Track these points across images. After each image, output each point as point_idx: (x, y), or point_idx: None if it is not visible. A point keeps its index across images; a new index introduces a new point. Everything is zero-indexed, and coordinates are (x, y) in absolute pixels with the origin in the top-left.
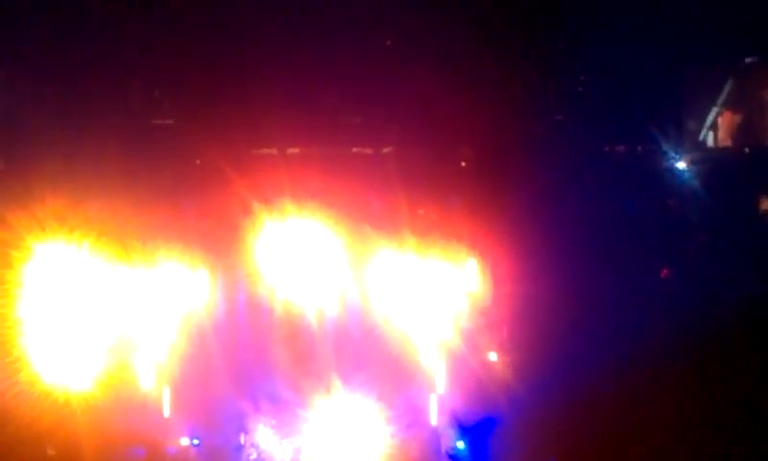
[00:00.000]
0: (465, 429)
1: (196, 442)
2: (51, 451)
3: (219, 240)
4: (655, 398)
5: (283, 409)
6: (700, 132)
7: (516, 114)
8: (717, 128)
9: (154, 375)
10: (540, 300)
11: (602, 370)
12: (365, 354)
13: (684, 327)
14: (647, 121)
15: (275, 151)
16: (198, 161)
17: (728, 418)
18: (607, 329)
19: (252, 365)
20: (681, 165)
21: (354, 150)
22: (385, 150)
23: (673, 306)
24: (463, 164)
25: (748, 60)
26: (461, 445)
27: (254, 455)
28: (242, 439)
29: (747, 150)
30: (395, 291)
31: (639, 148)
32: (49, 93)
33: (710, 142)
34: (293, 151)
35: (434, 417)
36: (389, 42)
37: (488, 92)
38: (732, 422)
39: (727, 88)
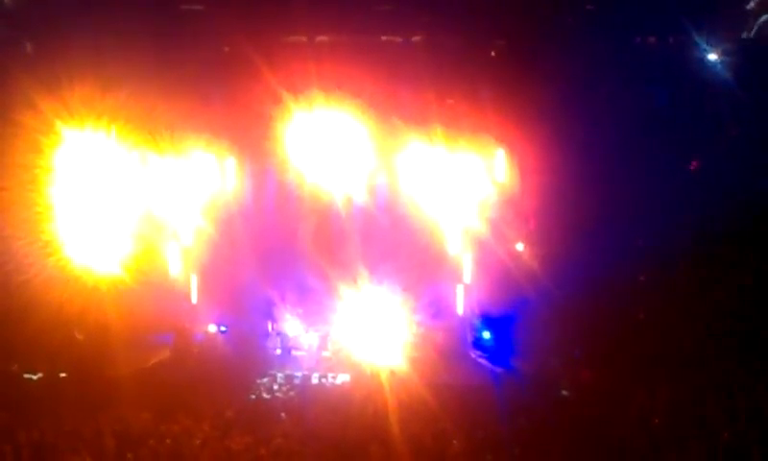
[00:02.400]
0: (490, 319)
1: (223, 329)
2: (79, 336)
3: (247, 128)
4: (675, 290)
5: (310, 298)
6: (734, 23)
7: (546, 3)
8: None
9: (182, 261)
10: (568, 192)
11: (627, 261)
12: (392, 244)
13: (710, 218)
14: (679, 11)
15: (304, 38)
16: (226, 49)
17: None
18: (634, 222)
19: (279, 253)
20: (713, 57)
21: (384, 38)
22: (414, 38)
23: (702, 198)
24: (492, 54)
25: None
26: (486, 334)
27: (281, 342)
28: (269, 327)
29: None
30: (423, 181)
31: (671, 39)
32: None
33: (745, 35)
34: (322, 38)
35: (460, 306)
36: None
37: None
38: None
39: None
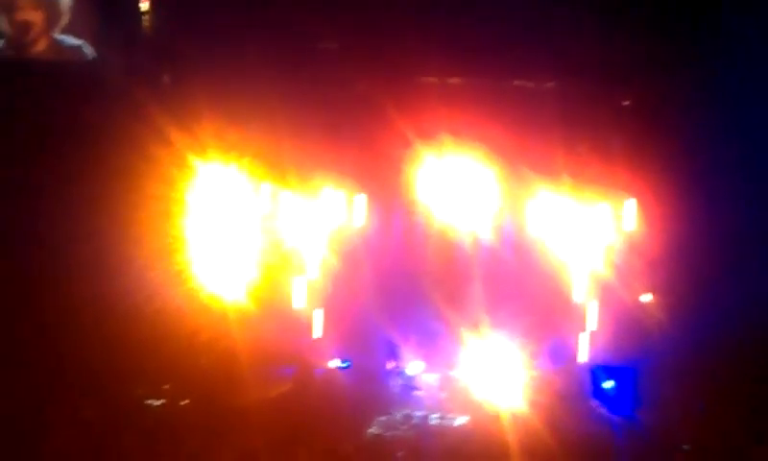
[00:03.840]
0: (613, 368)
1: (345, 364)
2: (204, 364)
3: (376, 167)
4: None
5: (431, 338)
6: None
7: (681, 54)
8: None
9: (307, 295)
10: (698, 243)
11: (757, 316)
12: (516, 287)
13: None
14: None
15: (436, 80)
16: (359, 88)
17: None
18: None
19: (402, 292)
20: None
21: (516, 83)
22: (547, 85)
23: None
24: (624, 103)
25: None
26: (608, 384)
27: (402, 382)
28: (390, 365)
29: None
30: (549, 226)
31: None
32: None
33: None
34: (453, 81)
35: (583, 353)
36: None
37: (655, 30)
38: None
39: None
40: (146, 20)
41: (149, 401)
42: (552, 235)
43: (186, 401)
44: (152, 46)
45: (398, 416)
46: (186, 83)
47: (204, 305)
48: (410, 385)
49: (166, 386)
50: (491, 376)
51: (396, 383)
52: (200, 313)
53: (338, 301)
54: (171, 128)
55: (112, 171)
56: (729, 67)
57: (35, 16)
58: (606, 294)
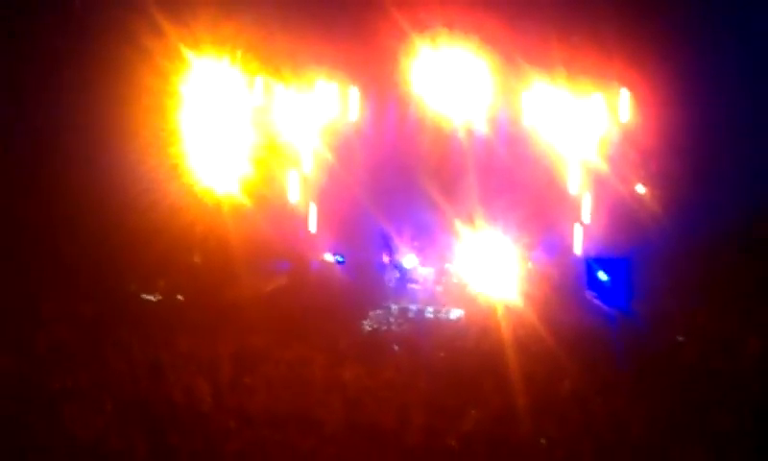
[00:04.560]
0: (608, 260)
1: (340, 259)
2: (197, 259)
3: (370, 60)
4: None
5: (427, 231)
6: None
7: None
8: None
9: (301, 190)
10: (693, 134)
11: (752, 209)
12: (511, 179)
13: None
14: None
15: None
16: None
17: None
18: (762, 169)
19: (397, 186)
20: None
21: None
22: None
23: None
24: None
25: None
26: (603, 275)
27: (397, 275)
28: (385, 259)
29: None
30: (544, 118)
31: None
32: None
33: None
34: None
35: (577, 246)
36: None
37: None
38: None
39: None
40: None
41: (144, 296)
42: (546, 127)
43: (181, 296)
44: None
45: (394, 309)
46: None
47: (198, 200)
48: (405, 278)
49: (161, 281)
50: (485, 269)
51: (391, 277)
52: (194, 207)
53: (332, 195)
54: (164, 20)
55: (105, 64)
56: None
57: None
58: (600, 186)
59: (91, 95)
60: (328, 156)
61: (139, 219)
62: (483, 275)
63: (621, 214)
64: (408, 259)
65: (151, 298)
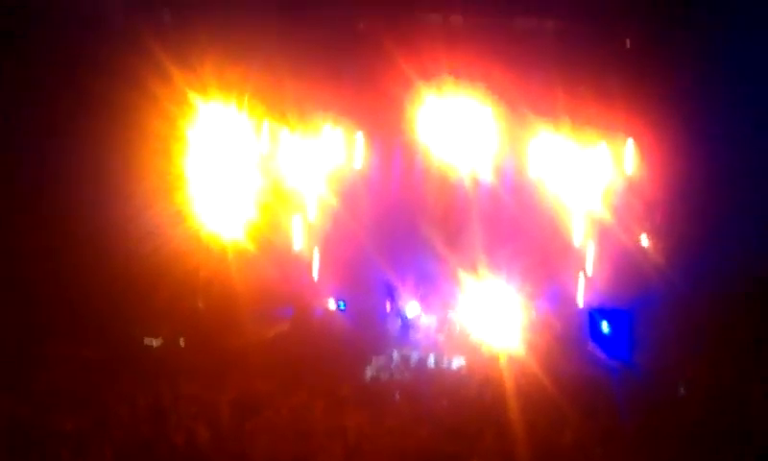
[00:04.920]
0: (610, 312)
1: (342, 306)
2: (201, 304)
3: (376, 107)
4: None
5: (429, 279)
6: None
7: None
8: None
9: (305, 236)
10: (697, 186)
11: (755, 261)
12: (515, 229)
13: None
14: None
15: (436, 18)
16: (359, 26)
17: None
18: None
19: (401, 234)
20: None
21: (516, 21)
22: (548, 23)
23: None
24: (626, 44)
25: None
26: (605, 327)
27: (400, 323)
28: (387, 307)
29: None
30: (549, 168)
31: None
32: None
33: None
34: (454, 19)
35: (580, 297)
36: None
37: None
38: None
39: None
40: None
41: (147, 341)
42: (551, 176)
43: (183, 341)
44: None
45: (396, 357)
46: (187, 20)
47: (202, 245)
48: (407, 326)
49: (164, 326)
50: (488, 318)
51: (393, 325)
52: (198, 252)
53: (336, 241)
54: (171, 65)
55: (112, 108)
56: (729, 9)
57: None
58: (604, 236)
59: (97, 139)
60: (333, 202)
61: (143, 263)
62: (486, 324)
63: (625, 265)
64: (411, 307)
65: (153, 342)
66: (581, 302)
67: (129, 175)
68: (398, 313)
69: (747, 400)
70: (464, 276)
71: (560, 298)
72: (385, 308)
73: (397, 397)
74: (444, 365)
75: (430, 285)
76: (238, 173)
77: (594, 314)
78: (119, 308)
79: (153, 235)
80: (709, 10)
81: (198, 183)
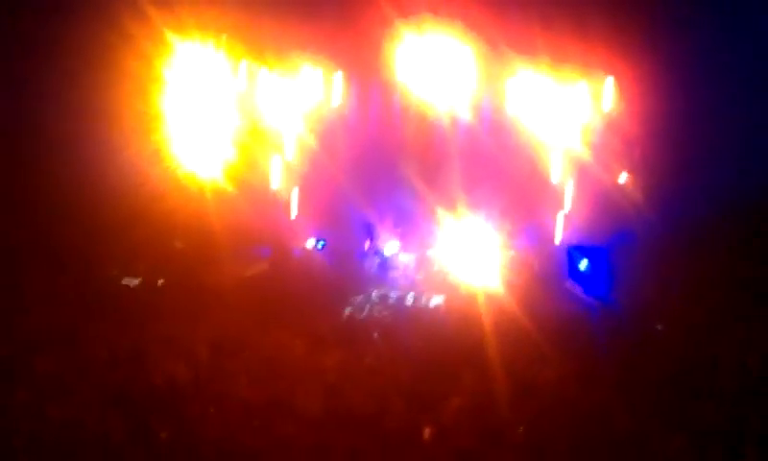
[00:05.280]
0: (588, 249)
1: (321, 245)
2: (179, 244)
3: (354, 46)
4: None
5: (408, 218)
6: None
7: None
8: None
9: (283, 175)
10: (676, 123)
11: (732, 197)
12: (493, 167)
13: None
14: None
15: None
16: None
17: None
18: (742, 158)
19: (380, 172)
20: None
21: None
22: None
23: None
24: None
25: None
26: (583, 264)
27: (378, 261)
28: (366, 246)
29: None
30: (527, 106)
31: None
32: None
33: None
34: None
35: (558, 234)
36: None
37: None
38: None
39: None
40: None
41: (126, 281)
42: (530, 115)
43: (162, 281)
44: None
45: (374, 296)
46: None
47: (180, 184)
48: (386, 265)
49: (143, 266)
50: (467, 256)
51: (372, 263)
52: (176, 192)
53: (314, 180)
54: (147, 4)
55: (88, 48)
56: None
57: None
58: (583, 174)
59: (73, 80)
60: (311, 141)
61: (120, 204)
62: (464, 262)
63: (604, 203)
64: (389, 246)
65: (131, 282)
66: (559, 239)
67: (106, 115)
68: (377, 252)
69: (723, 337)
70: (442, 214)
71: (538, 236)
72: (364, 247)
73: (376, 336)
74: (423, 304)
75: (409, 224)
76: (216, 112)
77: (573, 252)
78: (97, 248)
79: (131, 175)
80: None
81: (175, 123)
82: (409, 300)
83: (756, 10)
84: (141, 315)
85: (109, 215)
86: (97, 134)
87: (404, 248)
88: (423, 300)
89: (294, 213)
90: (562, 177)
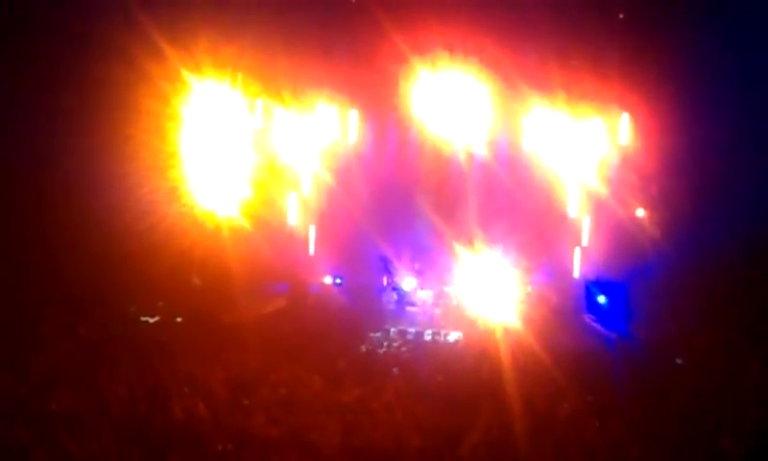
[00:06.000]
0: (607, 284)
1: (339, 281)
2: (197, 281)
3: (370, 83)
4: None
5: (426, 254)
6: None
7: None
8: None
9: (301, 212)
10: (692, 158)
11: (750, 231)
12: (511, 203)
13: None
14: None
15: None
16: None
17: None
18: (759, 191)
19: (397, 208)
20: None
21: None
22: None
23: None
24: (620, 16)
25: None
26: (602, 299)
27: (396, 298)
28: (384, 281)
29: None
30: (544, 141)
31: None
32: None
33: None
34: None
35: (577, 269)
36: None
37: None
38: None
39: None
40: None
41: (143, 318)
42: (547, 150)
43: (180, 318)
44: None
45: (392, 332)
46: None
47: (197, 222)
48: (404, 301)
49: (161, 304)
50: (485, 291)
51: (389, 299)
52: (193, 230)
53: (332, 217)
54: (165, 42)
55: (107, 87)
56: None
57: None
58: (600, 209)
59: (93, 118)
60: (328, 178)
61: (139, 241)
62: (482, 298)
63: (621, 237)
64: (407, 282)
65: (150, 320)
66: (577, 274)
67: (124, 153)
68: (395, 288)
69: (743, 372)
70: (460, 250)
71: (556, 271)
72: (382, 283)
73: (395, 372)
74: (441, 339)
75: (426, 260)
76: (233, 150)
77: (591, 286)
78: (115, 287)
79: (148, 213)
80: None
81: (193, 161)
82: (427, 335)
83: None
84: (159, 352)
85: (128, 253)
86: (115, 172)
87: (422, 284)
88: (441, 335)
89: (311, 250)
90: (579, 212)
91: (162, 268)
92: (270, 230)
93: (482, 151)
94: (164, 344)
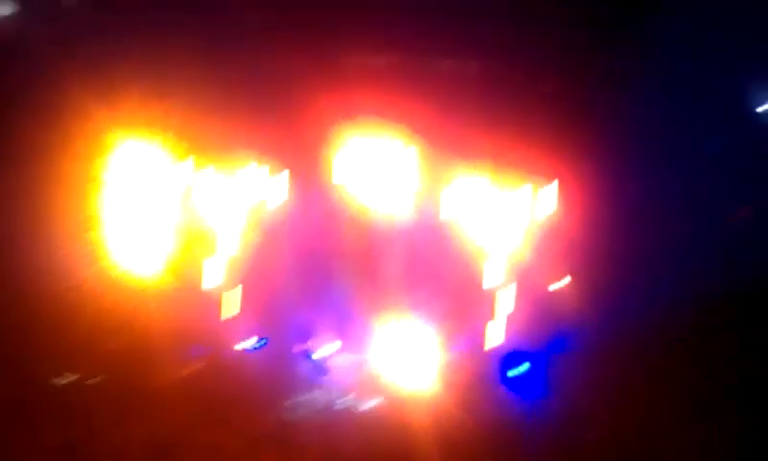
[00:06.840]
0: (526, 353)
1: (260, 343)
2: (114, 344)
3: (298, 145)
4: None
5: (347, 321)
6: None
7: (608, 47)
8: None
9: (220, 274)
10: (621, 228)
11: (674, 305)
12: (433, 271)
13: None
14: (750, 59)
15: (357, 59)
16: (281, 65)
17: None
18: (688, 264)
19: (320, 272)
20: None
21: (439, 64)
22: (470, 65)
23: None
24: (549, 89)
25: None
26: (521, 368)
27: (313, 364)
28: (306, 345)
29: None
30: (467, 211)
31: (737, 86)
32: None
33: None
34: (376, 60)
35: (492, 340)
36: None
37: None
38: None
39: None
40: None
41: (57, 381)
42: (469, 218)
43: (96, 380)
44: (69, 14)
45: (309, 398)
46: (104, 54)
47: (115, 285)
48: (322, 367)
49: (77, 366)
50: (403, 359)
51: (307, 365)
52: (111, 293)
53: (254, 279)
54: (88, 101)
55: (22, 145)
56: (656, 49)
57: None
58: (522, 278)
59: (8, 178)
60: (253, 239)
61: (54, 304)
62: (402, 365)
63: (543, 307)
64: (326, 347)
65: (63, 381)
66: (493, 344)
67: (40, 215)
68: (313, 353)
69: (658, 447)
70: (380, 316)
71: (472, 340)
72: (303, 347)
73: (313, 438)
74: (359, 406)
75: (347, 325)
76: (156, 210)
77: (509, 357)
78: (29, 351)
79: (65, 276)
80: (635, 53)
81: (112, 223)
82: (347, 401)
83: (711, 111)
84: (73, 415)
85: (42, 316)
86: (30, 234)
87: (341, 349)
88: (359, 402)
89: (227, 313)
90: (497, 281)
91: (78, 331)
92: (193, 291)
93: (405, 218)
94: (78, 405)
